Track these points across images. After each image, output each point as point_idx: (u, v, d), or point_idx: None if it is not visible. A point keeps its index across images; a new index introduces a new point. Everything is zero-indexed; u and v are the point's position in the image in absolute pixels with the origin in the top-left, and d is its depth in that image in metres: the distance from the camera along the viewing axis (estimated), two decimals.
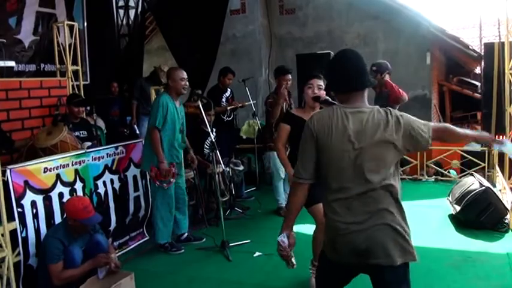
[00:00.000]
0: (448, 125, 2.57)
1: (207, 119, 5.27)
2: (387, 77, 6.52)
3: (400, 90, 6.40)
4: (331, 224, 2.37)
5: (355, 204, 2.29)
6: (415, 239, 4.99)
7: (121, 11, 9.49)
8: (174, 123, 4.85)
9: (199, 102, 5.07)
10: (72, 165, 4.39)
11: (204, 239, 5.28)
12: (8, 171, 3.72)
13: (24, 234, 3.86)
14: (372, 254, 2.29)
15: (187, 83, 4.95)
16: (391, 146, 2.28)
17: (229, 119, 7.20)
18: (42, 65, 6.49)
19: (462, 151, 7.87)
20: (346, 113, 2.32)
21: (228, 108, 7.01)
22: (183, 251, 5.01)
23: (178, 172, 5.00)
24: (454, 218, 5.57)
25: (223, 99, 7.06)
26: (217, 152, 5.07)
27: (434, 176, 7.89)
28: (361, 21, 10.05)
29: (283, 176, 6.00)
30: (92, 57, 7.19)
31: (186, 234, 5.28)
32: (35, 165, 4.03)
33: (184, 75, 4.90)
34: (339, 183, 2.31)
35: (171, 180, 4.83)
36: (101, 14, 8.09)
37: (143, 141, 5.15)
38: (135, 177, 5.19)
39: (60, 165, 4.25)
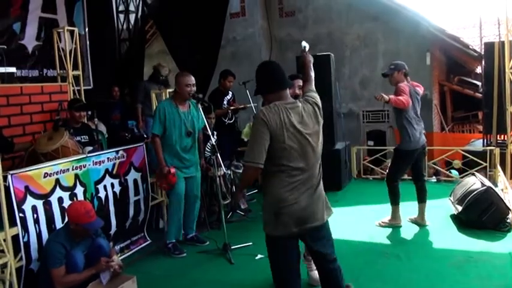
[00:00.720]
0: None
1: (208, 122, 5.27)
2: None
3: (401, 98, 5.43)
4: (279, 198, 2.89)
5: (307, 180, 2.91)
6: (416, 239, 5.03)
7: (121, 16, 9.51)
8: (180, 127, 4.92)
9: (200, 106, 5.08)
10: (73, 169, 4.40)
11: (208, 242, 5.29)
12: (9, 176, 3.72)
13: (26, 239, 3.86)
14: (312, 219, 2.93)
15: (194, 88, 4.98)
16: (320, 129, 3.00)
17: (231, 121, 7.20)
18: (45, 71, 6.52)
19: (464, 151, 7.86)
20: (286, 108, 2.87)
21: (230, 109, 7.02)
22: (185, 255, 5.01)
23: (190, 174, 5.10)
24: (455, 218, 5.56)
25: (225, 102, 7.06)
26: (218, 155, 5.09)
27: (435, 176, 7.88)
28: (360, 23, 10.07)
29: None
30: (93, 62, 7.21)
31: (193, 234, 5.31)
32: (36, 171, 4.04)
33: (191, 81, 4.94)
34: (295, 165, 2.85)
35: (170, 183, 4.91)
36: (102, 19, 8.11)
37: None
38: (135, 181, 5.19)
39: (60, 170, 4.26)
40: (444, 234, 5.21)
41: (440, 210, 5.89)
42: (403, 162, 5.46)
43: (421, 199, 5.51)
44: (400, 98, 5.17)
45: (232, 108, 7.05)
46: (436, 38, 9.55)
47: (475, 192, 5.30)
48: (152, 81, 7.53)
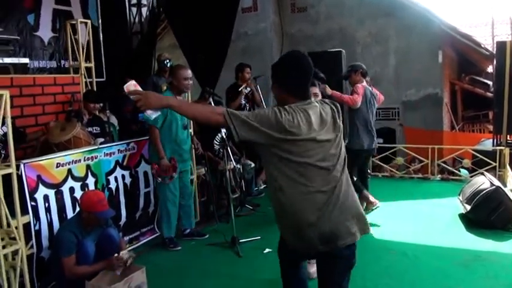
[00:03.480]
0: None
1: None
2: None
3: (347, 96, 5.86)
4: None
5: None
6: (425, 238, 5.02)
7: (134, 9, 9.53)
8: (176, 120, 4.88)
9: (211, 100, 5.09)
10: (84, 160, 4.44)
11: (208, 235, 5.32)
12: (22, 165, 3.77)
13: (37, 227, 3.92)
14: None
15: (191, 82, 4.94)
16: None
17: None
18: (62, 62, 6.56)
19: (473, 150, 7.83)
20: (303, 108, 2.41)
21: (244, 89, 6.92)
22: (179, 248, 5.03)
23: (184, 168, 5.08)
24: (464, 217, 5.55)
25: (243, 97, 7.02)
26: (229, 148, 5.09)
27: (444, 175, 7.85)
28: (372, 19, 10.04)
29: None
30: (106, 54, 7.24)
31: (189, 230, 5.32)
32: (48, 160, 4.09)
33: (188, 74, 4.89)
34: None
35: (173, 175, 4.88)
36: (114, 12, 8.14)
37: None
38: (145, 173, 5.22)
39: (72, 160, 4.30)
40: (452, 232, 5.21)
41: (449, 209, 5.88)
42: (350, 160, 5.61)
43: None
44: (347, 96, 5.66)
45: (244, 86, 6.95)
46: (448, 36, 9.51)
47: (484, 191, 5.29)
48: (159, 74, 7.55)
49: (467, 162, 7.73)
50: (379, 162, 8.30)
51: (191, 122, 5.12)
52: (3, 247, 3.53)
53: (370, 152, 6.01)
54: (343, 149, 2.51)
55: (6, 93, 3.44)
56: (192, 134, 5.34)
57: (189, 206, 5.27)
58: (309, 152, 2.36)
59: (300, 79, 2.48)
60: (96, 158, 4.57)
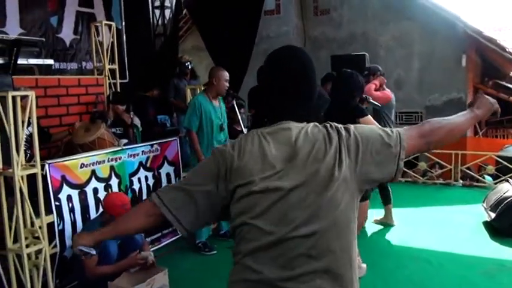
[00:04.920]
0: (432, 120, 1.70)
1: (241, 117, 5.28)
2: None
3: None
4: None
5: None
6: (448, 245, 4.92)
7: (157, 11, 9.58)
8: (212, 122, 4.90)
9: (234, 102, 5.09)
10: (108, 161, 4.46)
11: None
12: (47, 165, 3.80)
13: (60, 227, 3.95)
14: None
15: (228, 84, 4.98)
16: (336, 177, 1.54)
17: None
18: (83, 63, 6.62)
19: (498, 156, 7.69)
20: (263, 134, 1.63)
21: None
22: (215, 252, 5.01)
23: None
24: (488, 225, 5.43)
25: None
26: None
27: (467, 181, 7.72)
28: (396, 22, 9.94)
29: None
30: (129, 56, 7.29)
31: (225, 230, 5.30)
32: (73, 161, 4.11)
33: (227, 76, 4.94)
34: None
35: None
36: (138, 14, 8.19)
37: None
38: (168, 174, 5.24)
39: (96, 161, 4.32)
40: (476, 240, 5.11)
41: (473, 217, 5.77)
42: None
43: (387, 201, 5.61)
44: (378, 92, 5.55)
45: None
46: (472, 40, 9.36)
47: (509, 199, 5.18)
48: (180, 76, 7.56)
49: (491, 168, 7.58)
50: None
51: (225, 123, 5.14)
52: (27, 246, 3.56)
53: None
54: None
55: (32, 94, 3.48)
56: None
57: None
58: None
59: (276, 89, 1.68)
60: (120, 159, 4.60)
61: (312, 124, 1.62)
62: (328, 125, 1.62)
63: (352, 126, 1.62)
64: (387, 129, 1.64)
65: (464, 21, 9.20)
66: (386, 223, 5.54)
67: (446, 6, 9.50)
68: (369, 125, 1.73)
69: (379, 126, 2.01)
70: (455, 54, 9.42)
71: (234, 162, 1.56)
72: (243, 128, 5.36)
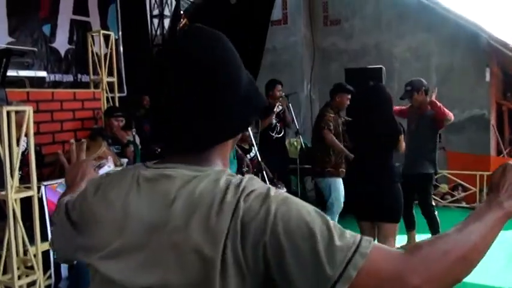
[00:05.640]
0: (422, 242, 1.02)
1: (247, 135, 5.24)
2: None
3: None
4: None
5: None
6: (479, 277, 4.81)
7: (155, 20, 9.59)
8: None
9: None
10: None
11: None
12: (43, 187, 3.73)
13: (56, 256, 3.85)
14: None
15: None
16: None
17: (279, 135, 6.83)
18: (79, 76, 6.58)
19: None
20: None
21: (276, 108, 6.69)
22: None
23: None
24: None
25: (274, 116, 6.74)
26: (264, 173, 5.03)
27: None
28: (412, 34, 9.92)
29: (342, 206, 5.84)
30: (127, 68, 7.26)
31: None
32: None
33: None
34: None
35: None
36: (135, 23, 8.19)
37: None
38: None
39: None
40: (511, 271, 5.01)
41: (505, 244, 5.66)
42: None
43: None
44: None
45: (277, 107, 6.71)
46: (496, 52, 9.34)
47: None
48: None
49: None
50: None
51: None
52: (19, 277, 3.46)
53: None
54: None
55: (29, 109, 3.42)
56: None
57: None
58: None
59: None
60: None
61: (212, 175, 1.04)
62: (238, 181, 1.02)
63: (277, 201, 0.98)
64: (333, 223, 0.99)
65: (488, 31, 9.18)
66: None
67: (467, 15, 9.49)
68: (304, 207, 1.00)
69: None
70: (477, 67, 9.38)
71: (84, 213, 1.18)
72: (254, 144, 5.29)
